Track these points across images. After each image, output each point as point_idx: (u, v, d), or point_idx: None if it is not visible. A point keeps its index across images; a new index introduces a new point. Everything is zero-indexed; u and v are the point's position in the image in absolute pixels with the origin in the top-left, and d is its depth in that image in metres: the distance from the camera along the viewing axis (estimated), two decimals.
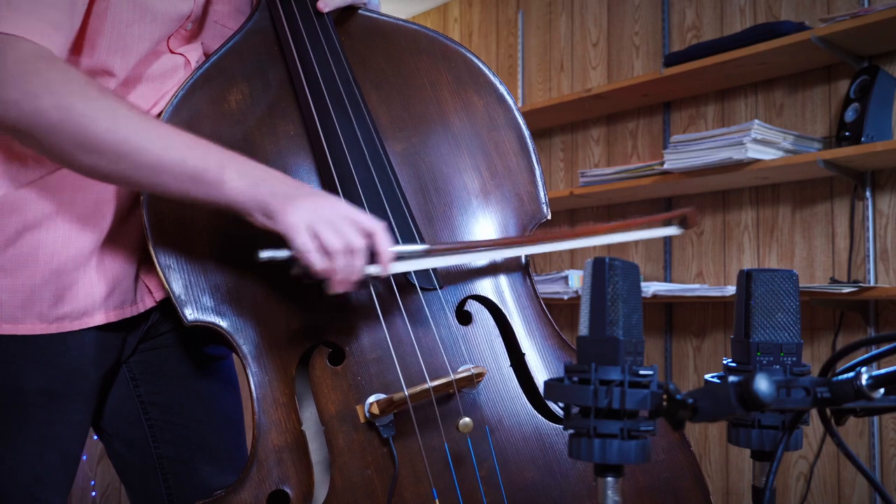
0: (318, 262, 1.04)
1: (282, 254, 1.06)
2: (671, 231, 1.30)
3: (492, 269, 1.28)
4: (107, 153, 1.03)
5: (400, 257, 1.14)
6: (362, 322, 1.19)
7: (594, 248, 3.39)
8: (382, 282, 1.18)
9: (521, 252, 1.27)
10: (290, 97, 1.26)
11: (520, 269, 1.30)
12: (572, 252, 3.54)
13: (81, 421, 1.24)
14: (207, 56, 1.26)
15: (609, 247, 3.37)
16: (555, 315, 3.53)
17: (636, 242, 3.32)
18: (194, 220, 1.18)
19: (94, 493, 3.00)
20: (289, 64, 1.27)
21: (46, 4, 1.06)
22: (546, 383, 0.68)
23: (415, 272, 1.18)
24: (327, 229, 1.03)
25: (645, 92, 3.10)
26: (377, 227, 1.07)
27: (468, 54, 1.36)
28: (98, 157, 1.03)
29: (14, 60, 1.02)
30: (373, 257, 1.08)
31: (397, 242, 1.16)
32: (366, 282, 1.13)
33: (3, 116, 1.02)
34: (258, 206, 1.04)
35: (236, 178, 1.03)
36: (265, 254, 1.06)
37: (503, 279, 1.28)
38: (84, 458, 2.92)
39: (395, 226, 1.18)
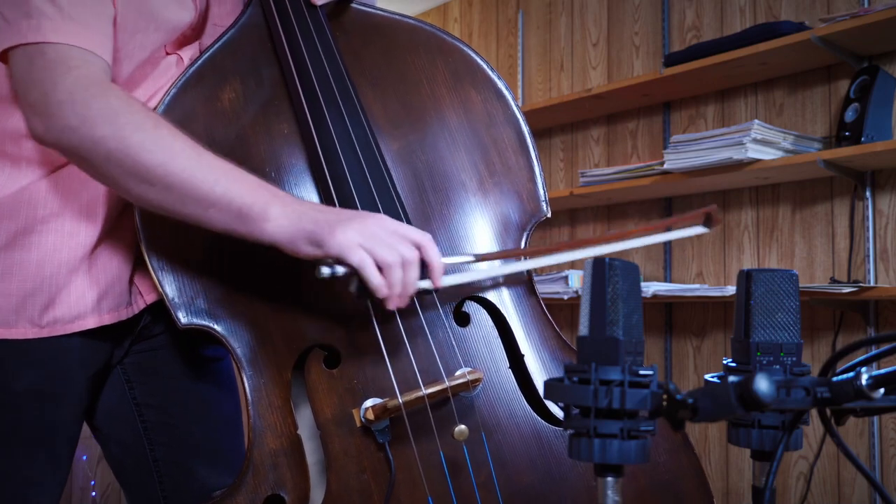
0: (375, 277, 1.03)
1: (340, 270, 1.04)
2: (697, 230, 1.25)
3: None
4: (157, 185, 1.03)
5: (449, 269, 1.11)
6: (358, 326, 1.16)
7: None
8: None
9: (561, 259, 1.21)
10: (283, 95, 1.23)
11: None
12: None
13: (70, 422, 1.23)
14: (201, 52, 1.24)
15: None
16: (555, 315, 3.53)
17: None
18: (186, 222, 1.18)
19: (94, 493, 3.00)
20: (281, 61, 1.24)
21: (95, 15, 1.08)
22: (546, 383, 0.68)
23: None
24: (378, 245, 1.02)
25: (645, 92, 3.10)
26: (425, 238, 1.06)
27: (466, 49, 1.33)
28: (148, 188, 1.04)
29: (73, 84, 1.03)
30: (422, 271, 1.06)
31: None
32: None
33: (63, 141, 1.04)
34: (304, 237, 1.03)
35: (280, 215, 1.03)
36: (325, 270, 1.04)
37: (502, 279, 1.25)
38: (84, 458, 2.92)
39: None
